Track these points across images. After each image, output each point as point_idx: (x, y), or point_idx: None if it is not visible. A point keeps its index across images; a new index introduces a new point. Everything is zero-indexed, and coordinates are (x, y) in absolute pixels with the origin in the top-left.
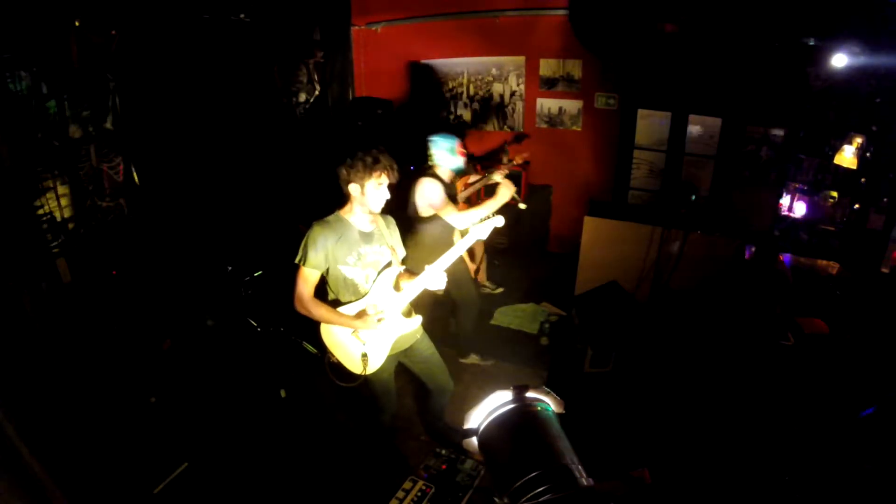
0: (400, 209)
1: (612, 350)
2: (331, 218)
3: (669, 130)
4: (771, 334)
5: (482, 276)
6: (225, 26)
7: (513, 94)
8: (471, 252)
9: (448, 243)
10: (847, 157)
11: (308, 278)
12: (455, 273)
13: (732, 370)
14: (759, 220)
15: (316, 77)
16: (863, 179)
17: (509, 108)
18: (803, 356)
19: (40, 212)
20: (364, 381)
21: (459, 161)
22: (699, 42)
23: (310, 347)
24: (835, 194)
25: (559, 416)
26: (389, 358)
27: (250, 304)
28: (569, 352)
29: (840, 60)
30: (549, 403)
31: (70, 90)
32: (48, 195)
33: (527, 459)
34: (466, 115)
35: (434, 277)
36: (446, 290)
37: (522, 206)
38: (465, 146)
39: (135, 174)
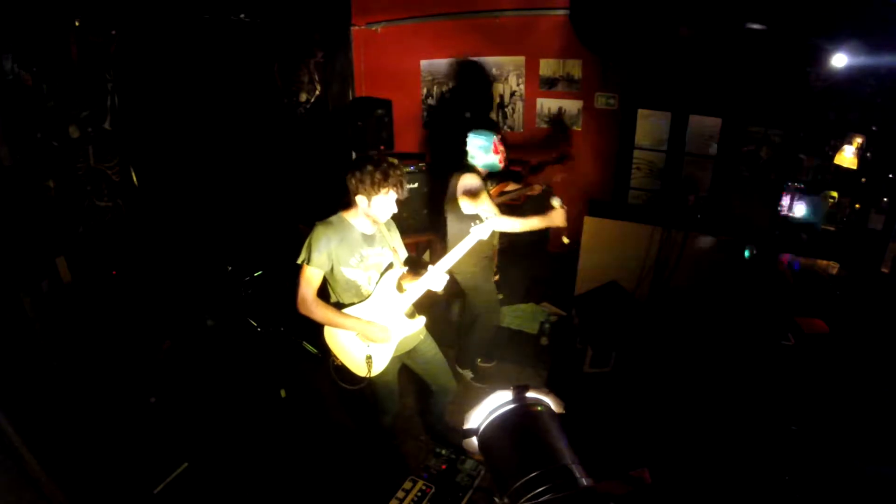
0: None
1: (612, 350)
2: (333, 219)
3: (669, 130)
4: (771, 334)
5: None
6: (225, 26)
7: (513, 94)
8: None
9: (488, 245)
10: (847, 157)
11: (311, 279)
12: (476, 278)
13: (732, 370)
14: (759, 220)
15: (316, 77)
16: (863, 179)
17: (509, 108)
18: (803, 356)
19: (40, 212)
20: (367, 383)
21: (494, 159)
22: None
23: (310, 347)
24: (835, 194)
25: (559, 416)
26: (393, 359)
27: (250, 304)
28: (569, 352)
29: (840, 60)
30: (549, 404)
31: (70, 90)
32: (47, 195)
33: (527, 459)
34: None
35: (436, 278)
36: (467, 299)
37: (566, 240)
38: (504, 143)
39: (133, 175)
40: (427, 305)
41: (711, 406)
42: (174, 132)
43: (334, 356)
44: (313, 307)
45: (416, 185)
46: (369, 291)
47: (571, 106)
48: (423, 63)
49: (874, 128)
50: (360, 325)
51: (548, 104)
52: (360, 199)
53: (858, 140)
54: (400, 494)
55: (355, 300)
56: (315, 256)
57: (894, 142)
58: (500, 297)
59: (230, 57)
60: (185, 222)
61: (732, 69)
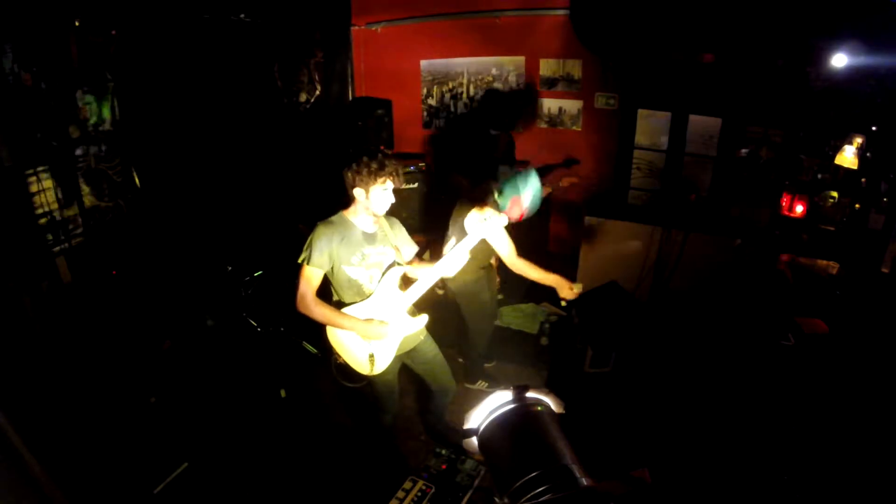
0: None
1: (612, 350)
2: (334, 218)
3: (669, 130)
4: (771, 334)
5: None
6: (225, 26)
7: None
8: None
9: (484, 256)
10: (847, 157)
11: (311, 278)
12: (467, 286)
13: (732, 370)
14: (759, 220)
15: (316, 77)
16: (863, 179)
17: None
18: (803, 356)
19: (40, 212)
20: (367, 382)
21: (515, 212)
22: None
23: (310, 347)
24: (835, 194)
25: (559, 416)
26: (394, 359)
27: (250, 304)
28: (569, 352)
29: (840, 60)
30: (549, 404)
31: (70, 90)
32: (47, 195)
33: (527, 459)
34: None
35: (437, 276)
36: (460, 308)
37: (563, 303)
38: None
39: (135, 175)
40: (428, 306)
41: (711, 406)
42: (174, 132)
43: (336, 354)
44: (312, 306)
45: (415, 185)
46: (371, 290)
47: (571, 106)
48: (423, 63)
49: (874, 128)
50: (358, 324)
51: (548, 104)
52: (357, 192)
53: (858, 140)
54: (400, 494)
55: (357, 299)
56: (315, 256)
57: (894, 142)
58: (496, 308)
59: (230, 57)
60: (185, 222)
61: (733, 69)
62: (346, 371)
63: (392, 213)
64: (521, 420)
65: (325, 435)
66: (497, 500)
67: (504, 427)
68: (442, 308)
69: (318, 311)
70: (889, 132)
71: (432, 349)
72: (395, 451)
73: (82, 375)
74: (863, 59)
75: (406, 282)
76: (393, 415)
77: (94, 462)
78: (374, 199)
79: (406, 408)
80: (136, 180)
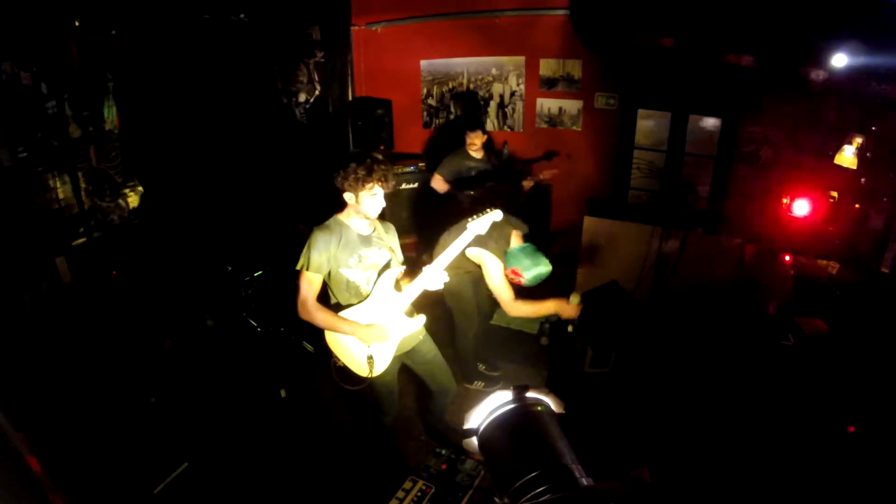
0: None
1: (612, 350)
2: (330, 222)
3: (669, 130)
4: (771, 334)
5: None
6: (225, 26)
7: (513, 94)
8: None
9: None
10: (847, 157)
11: (311, 284)
12: (458, 285)
13: (733, 370)
14: (760, 220)
15: (316, 77)
16: (863, 179)
17: (509, 108)
18: (803, 356)
19: (40, 212)
20: (368, 384)
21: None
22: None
23: (309, 347)
24: (835, 194)
25: (559, 416)
26: (393, 359)
27: (250, 304)
28: (569, 352)
29: (840, 60)
30: (549, 404)
31: (70, 90)
32: (48, 195)
33: (527, 459)
34: None
35: (433, 277)
36: (448, 305)
37: (570, 328)
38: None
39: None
40: (426, 305)
41: (711, 406)
42: (173, 132)
43: (336, 357)
44: (314, 312)
45: (415, 185)
46: (368, 291)
47: (571, 106)
48: (423, 63)
49: (874, 128)
50: (359, 329)
51: (548, 104)
52: (348, 196)
53: (858, 140)
54: (400, 494)
55: (355, 300)
56: (314, 262)
57: (894, 142)
58: (491, 309)
59: (230, 57)
60: (185, 222)
61: (733, 69)
62: (346, 373)
63: (392, 213)
64: (521, 420)
65: (325, 435)
66: (497, 500)
67: (504, 427)
68: (441, 308)
69: (320, 316)
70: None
71: (431, 349)
72: (395, 451)
73: (82, 375)
74: (863, 59)
75: (401, 283)
76: (392, 415)
77: (94, 462)
78: (365, 203)
79: (406, 408)
80: (138, 182)
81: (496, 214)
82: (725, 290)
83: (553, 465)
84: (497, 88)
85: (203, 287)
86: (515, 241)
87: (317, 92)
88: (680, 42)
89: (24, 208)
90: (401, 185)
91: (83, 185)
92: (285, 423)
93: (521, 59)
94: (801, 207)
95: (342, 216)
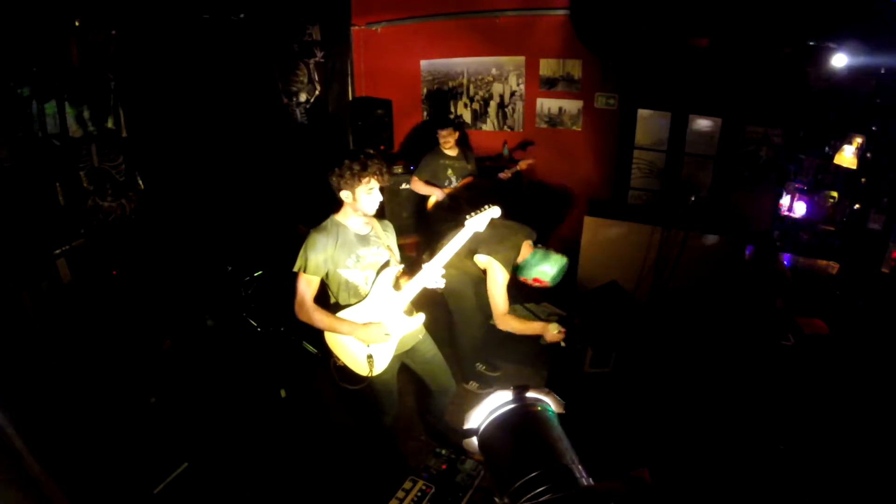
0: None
1: (612, 350)
2: (327, 223)
3: (669, 130)
4: (771, 334)
5: None
6: (225, 26)
7: (513, 94)
8: None
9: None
10: (847, 157)
11: (308, 285)
12: (459, 285)
13: (732, 370)
14: (759, 220)
15: (316, 77)
16: (863, 179)
17: (509, 108)
18: (803, 356)
19: (40, 212)
20: (367, 383)
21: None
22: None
23: (309, 347)
24: (835, 194)
25: (559, 416)
26: (393, 358)
27: (250, 304)
28: (569, 352)
29: (840, 60)
30: (549, 404)
31: (70, 90)
32: (48, 195)
33: (527, 459)
34: (466, 115)
35: (431, 275)
36: (448, 305)
37: (563, 343)
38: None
39: (138, 176)
40: (426, 305)
41: (711, 406)
42: (174, 132)
43: (336, 357)
44: (311, 313)
45: None
46: (367, 291)
47: (571, 106)
48: (423, 63)
49: (874, 128)
50: (358, 329)
51: (548, 104)
52: (344, 194)
53: (858, 140)
54: (400, 494)
55: (353, 301)
56: (311, 264)
57: (894, 142)
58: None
59: (230, 57)
60: (185, 222)
61: (733, 69)
62: (347, 373)
63: (392, 213)
64: (521, 420)
65: (325, 435)
66: (497, 500)
67: (504, 427)
68: (441, 307)
69: (317, 317)
70: (889, 132)
71: (431, 349)
72: (395, 451)
73: (82, 375)
74: (863, 59)
75: (400, 282)
76: (392, 414)
77: (94, 462)
78: (362, 200)
79: (406, 408)
80: (140, 181)
81: (494, 211)
82: (725, 290)
83: (553, 465)
84: (497, 88)
85: (203, 287)
86: (526, 250)
87: (317, 92)
88: (679, 41)
89: (24, 208)
90: (400, 185)
91: (84, 185)
92: (285, 423)
93: (521, 59)
94: (800, 207)
95: (339, 216)
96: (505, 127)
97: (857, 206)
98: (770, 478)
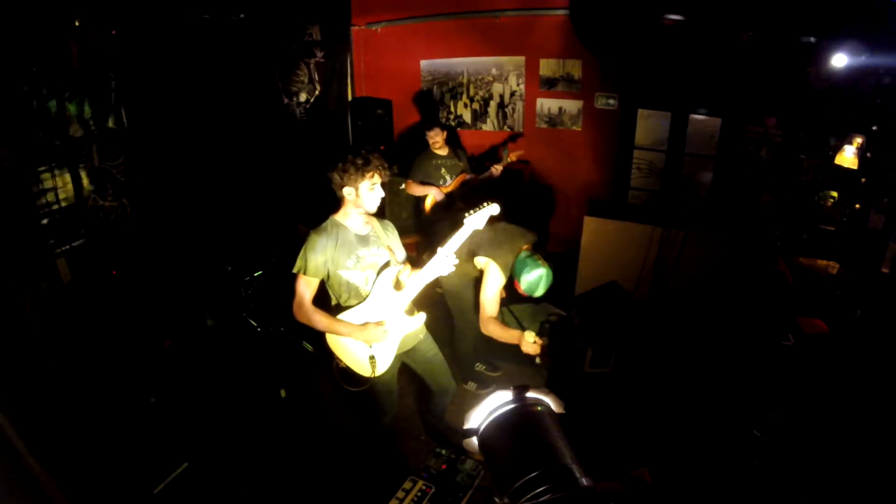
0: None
1: (612, 350)
2: (326, 224)
3: (669, 130)
4: (771, 334)
5: None
6: (225, 26)
7: (513, 94)
8: None
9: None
10: (847, 157)
11: (308, 287)
12: (459, 286)
13: (732, 370)
14: (760, 220)
15: (316, 77)
16: (863, 179)
17: (509, 108)
18: (803, 356)
19: (42, 212)
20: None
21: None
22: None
23: (309, 347)
24: (835, 194)
25: (559, 416)
26: (394, 358)
27: (250, 304)
28: (569, 352)
29: (840, 60)
30: (549, 404)
31: (70, 90)
32: (49, 195)
33: (527, 459)
34: (466, 115)
35: (442, 262)
36: (447, 304)
37: (538, 360)
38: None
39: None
40: (426, 306)
41: (711, 406)
42: (174, 132)
43: (338, 359)
44: (310, 314)
45: None
46: (367, 291)
47: (571, 106)
48: (423, 63)
49: (874, 128)
50: (356, 329)
51: (548, 104)
52: (347, 191)
53: (858, 140)
54: (400, 494)
55: (354, 301)
56: (310, 265)
57: (894, 142)
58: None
59: (230, 57)
60: (185, 222)
61: (733, 69)
62: (349, 374)
63: (392, 213)
64: (521, 420)
65: (325, 435)
66: (497, 500)
67: (504, 427)
68: (441, 307)
69: (316, 318)
70: (889, 132)
71: (432, 348)
72: (395, 451)
73: (82, 375)
74: (863, 59)
75: (401, 282)
76: (392, 414)
77: (94, 462)
78: (364, 196)
79: (406, 408)
80: (142, 181)
81: (493, 208)
82: (725, 290)
83: (553, 465)
84: (497, 88)
85: (203, 287)
86: (523, 253)
87: (317, 92)
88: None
89: (24, 208)
90: (400, 185)
91: (85, 185)
92: (285, 424)
93: (521, 59)
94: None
95: (339, 217)
96: (505, 127)
97: (857, 206)
98: (770, 478)
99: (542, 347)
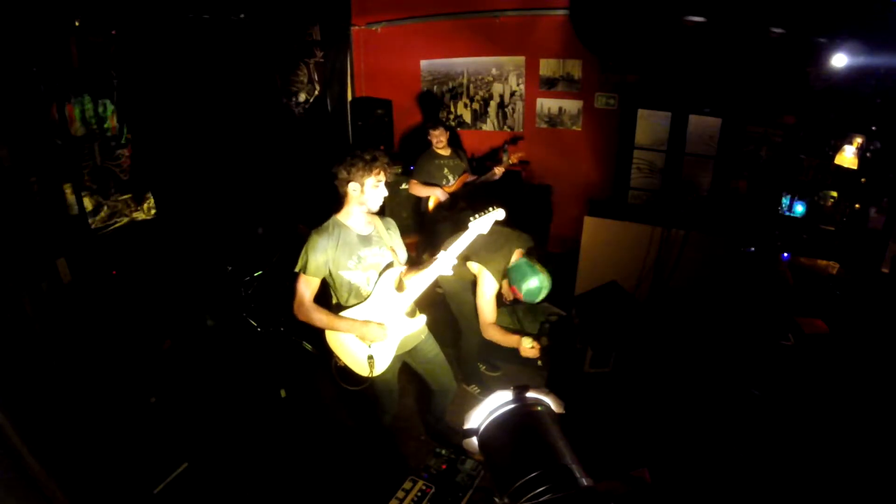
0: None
1: (612, 350)
2: (328, 224)
3: (669, 130)
4: (771, 334)
5: None
6: (225, 26)
7: (513, 94)
8: None
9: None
10: (847, 157)
11: (307, 286)
12: (460, 289)
13: (732, 370)
14: (759, 220)
15: (316, 77)
16: (863, 179)
17: (509, 108)
18: (803, 356)
19: (41, 211)
20: (368, 383)
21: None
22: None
23: (309, 347)
24: (835, 194)
25: (559, 416)
26: (394, 358)
27: (250, 304)
28: (569, 352)
29: (840, 60)
30: (549, 404)
31: (70, 90)
32: (49, 194)
33: (527, 459)
34: (466, 115)
35: (444, 263)
36: (450, 307)
37: (540, 363)
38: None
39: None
40: (428, 305)
41: (711, 406)
42: (174, 132)
43: (336, 358)
44: (310, 312)
45: None
46: (369, 291)
47: (571, 106)
48: (423, 63)
49: (874, 128)
50: (356, 326)
51: (548, 104)
52: (352, 186)
53: (858, 140)
54: (400, 494)
55: (356, 301)
56: (311, 265)
57: (894, 142)
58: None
59: (230, 57)
60: (185, 222)
61: (733, 69)
62: (347, 374)
63: (392, 213)
64: (521, 420)
65: (325, 435)
66: (497, 500)
67: (504, 427)
68: (442, 308)
69: (316, 316)
70: (889, 132)
71: (433, 349)
72: (395, 451)
73: (82, 375)
74: (863, 59)
75: (403, 283)
76: (392, 414)
77: (94, 462)
78: (369, 193)
79: (406, 408)
80: (145, 181)
81: (498, 213)
82: (726, 290)
83: (553, 465)
84: (497, 88)
85: (203, 287)
86: (515, 257)
87: (317, 92)
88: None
89: (24, 208)
90: (401, 185)
91: (87, 184)
92: (285, 423)
93: (521, 59)
94: (800, 207)
95: (340, 216)
96: (505, 127)
97: (857, 206)
98: (769, 478)
99: (542, 350)
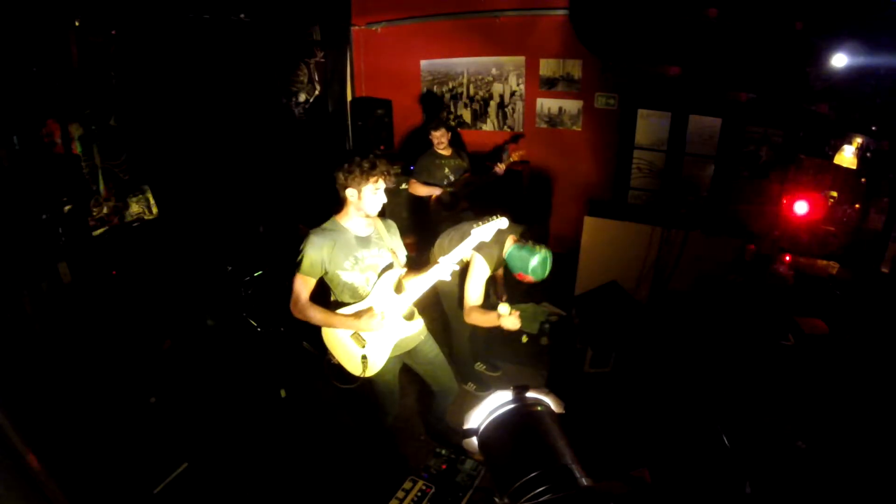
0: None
1: (612, 350)
2: (327, 224)
3: (669, 130)
4: (771, 334)
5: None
6: (225, 26)
7: (513, 94)
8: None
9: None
10: (847, 157)
11: (304, 284)
12: (454, 288)
13: (732, 370)
14: (759, 220)
15: (316, 77)
16: (863, 179)
17: (509, 108)
18: (803, 356)
19: (41, 211)
20: (367, 383)
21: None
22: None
23: (309, 347)
24: (835, 194)
25: (559, 416)
26: (393, 359)
27: (250, 304)
28: (569, 352)
29: (840, 60)
30: (549, 404)
31: (70, 90)
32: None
33: (527, 459)
34: (466, 115)
35: (444, 268)
36: (443, 304)
37: (525, 339)
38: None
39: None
40: (427, 306)
41: (711, 406)
42: (174, 132)
43: (330, 354)
44: (305, 310)
45: None
46: (368, 292)
47: (571, 106)
48: (423, 63)
49: (874, 128)
50: (350, 319)
51: (548, 104)
52: (350, 192)
53: (858, 140)
54: (400, 494)
55: (352, 301)
56: (306, 264)
57: (894, 142)
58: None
59: (230, 57)
60: (185, 222)
61: (733, 69)
62: (339, 371)
63: (392, 213)
64: (521, 420)
65: (325, 435)
66: (497, 500)
67: (504, 427)
68: (437, 310)
69: (311, 313)
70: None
71: (433, 350)
72: (395, 451)
73: (82, 375)
74: (863, 59)
75: (402, 285)
76: (393, 415)
77: (94, 462)
78: (367, 199)
79: (406, 408)
80: (153, 205)
81: (502, 222)
82: (726, 290)
83: (553, 465)
84: (497, 88)
85: (203, 287)
86: (509, 243)
87: (317, 92)
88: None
89: (24, 208)
90: (401, 185)
91: (87, 184)
92: (285, 423)
93: (521, 59)
94: (800, 207)
95: (340, 218)
96: (505, 127)
97: (857, 205)
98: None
99: (542, 349)
